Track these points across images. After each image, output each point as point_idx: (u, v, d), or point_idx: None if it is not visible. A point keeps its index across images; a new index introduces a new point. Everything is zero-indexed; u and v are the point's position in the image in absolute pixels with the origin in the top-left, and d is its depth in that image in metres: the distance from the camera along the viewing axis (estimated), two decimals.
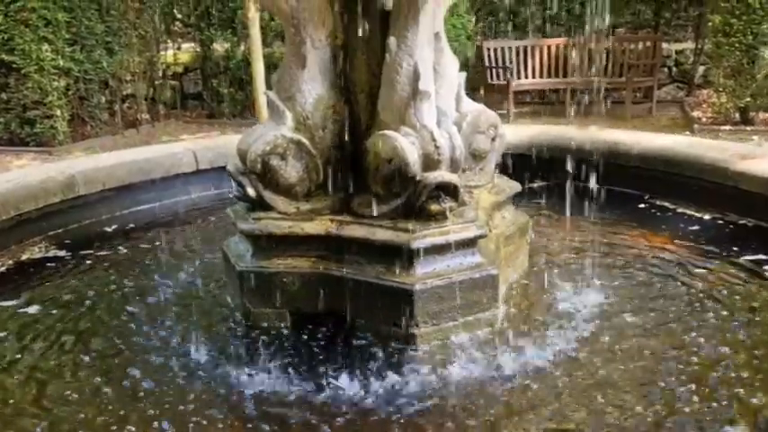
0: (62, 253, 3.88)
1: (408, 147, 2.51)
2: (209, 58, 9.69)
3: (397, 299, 2.51)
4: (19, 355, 2.75)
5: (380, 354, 2.51)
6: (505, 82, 9.16)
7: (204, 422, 2.25)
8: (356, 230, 2.63)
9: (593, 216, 3.95)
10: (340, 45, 2.78)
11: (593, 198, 3.86)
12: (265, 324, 2.75)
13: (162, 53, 10.11)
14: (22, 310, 3.16)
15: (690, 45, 10.31)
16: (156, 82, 9.87)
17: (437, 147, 2.55)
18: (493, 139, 3.07)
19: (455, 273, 2.55)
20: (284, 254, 2.72)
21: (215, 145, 5.23)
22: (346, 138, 2.83)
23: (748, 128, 7.58)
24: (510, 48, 9.56)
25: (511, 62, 9.44)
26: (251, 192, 2.75)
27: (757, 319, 2.80)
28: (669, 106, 9.49)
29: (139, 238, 4.13)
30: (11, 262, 3.76)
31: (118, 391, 2.44)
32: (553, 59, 9.50)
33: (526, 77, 9.52)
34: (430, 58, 2.71)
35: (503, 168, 3.27)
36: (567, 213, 4.00)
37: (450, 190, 2.56)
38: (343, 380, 2.40)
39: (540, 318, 2.81)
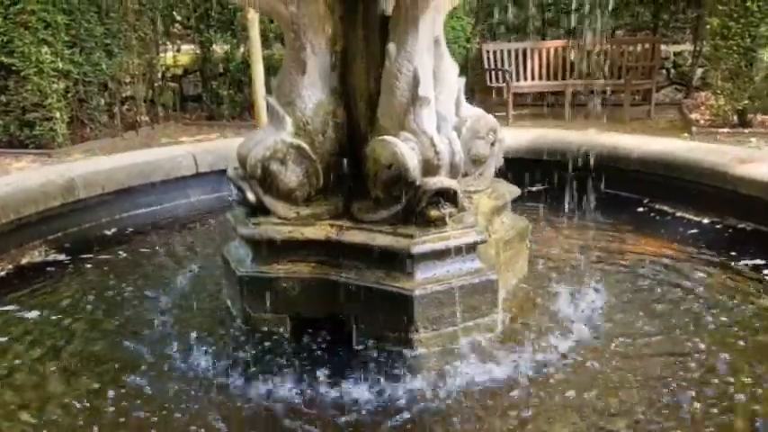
0: (62, 257, 3.88)
1: (408, 152, 2.52)
2: (209, 60, 9.70)
3: (396, 304, 2.52)
4: (18, 361, 2.75)
5: (380, 359, 2.52)
6: (504, 84, 9.18)
7: (203, 429, 2.24)
8: (356, 236, 2.64)
9: (593, 220, 3.96)
10: (340, 51, 2.79)
11: (592, 202, 3.87)
12: (265, 329, 2.76)
13: (161, 55, 10.10)
14: (21, 314, 3.16)
15: (688, 47, 10.32)
16: (156, 84, 9.87)
17: (437, 152, 2.56)
18: (492, 144, 3.08)
19: (455, 278, 2.56)
20: (284, 259, 2.73)
21: (215, 148, 5.23)
22: (346, 143, 2.84)
23: (746, 130, 7.58)
24: (509, 50, 9.58)
25: (510, 64, 9.45)
26: (251, 197, 2.76)
27: (756, 324, 2.80)
28: (667, 108, 9.50)
29: (139, 242, 4.13)
30: (11, 266, 3.76)
31: (116, 397, 2.44)
32: (552, 62, 9.51)
33: (525, 80, 9.53)
34: (429, 64, 2.72)
35: (501, 172, 3.28)
36: (567, 217, 4.01)
37: (449, 195, 2.57)
38: (343, 385, 2.40)
39: (539, 323, 2.81)
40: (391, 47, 2.64)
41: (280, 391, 2.40)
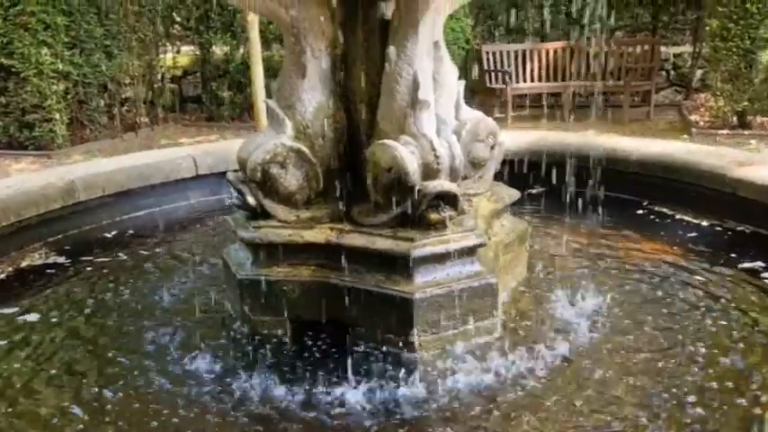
0: (62, 259, 3.88)
1: (408, 156, 2.52)
2: (209, 61, 9.70)
3: (396, 307, 2.52)
4: (18, 364, 2.75)
5: (380, 361, 2.53)
6: (504, 86, 9.18)
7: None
8: (356, 239, 2.64)
9: (592, 223, 3.96)
10: (340, 54, 2.80)
11: (591, 204, 3.87)
12: (265, 332, 2.77)
13: (161, 56, 10.10)
14: (21, 317, 3.16)
15: (688, 48, 10.33)
16: (156, 85, 9.87)
17: (437, 156, 2.57)
18: (492, 148, 3.08)
19: (454, 281, 2.57)
20: (284, 262, 2.74)
21: (214, 150, 5.23)
22: (346, 146, 2.84)
23: (746, 132, 7.60)
24: (508, 51, 9.58)
25: (509, 66, 9.46)
26: (251, 200, 2.77)
27: (756, 328, 2.81)
28: (667, 110, 9.50)
29: (139, 245, 4.13)
30: (11, 269, 3.77)
31: (117, 400, 2.45)
32: (551, 63, 9.52)
33: (524, 81, 9.53)
34: (429, 68, 2.72)
35: (501, 175, 3.29)
36: (566, 220, 4.02)
37: (449, 199, 2.58)
38: (343, 387, 2.41)
39: (538, 326, 2.82)
40: (391, 50, 2.64)
41: (279, 393, 2.40)
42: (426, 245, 2.54)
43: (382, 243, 2.58)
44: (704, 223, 4.02)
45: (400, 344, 2.55)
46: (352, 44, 2.79)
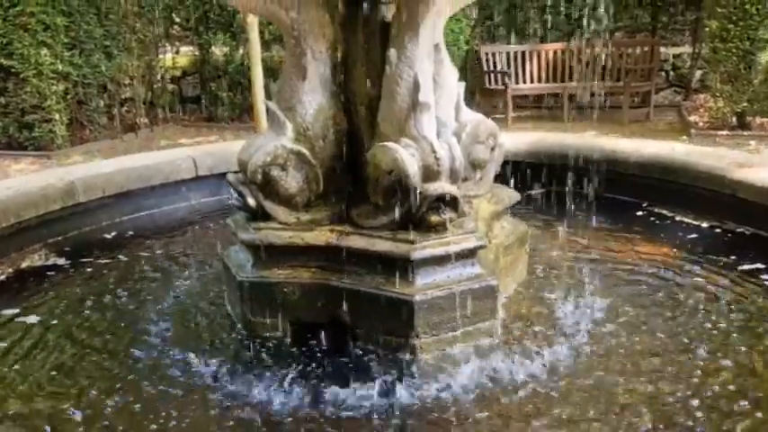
0: (62, 261, 3.88)
1: (408, 158, 2.52)
2: (208, 61, 9.71)
3: (397, 309, 2.52)
4: (17, 366, 2.75)
5: (380, 364, 2.53)
6: (503, 87, 9.19)
7: None
8: (356, 241, 2.64)
9: (592, 224, 3.96)
10: (340, 56, 2.80)
11: (591, 206, 3.88)
12: (265, 333, 2.77)
13: (161, 57, 10.10)
14: (21, 319, 3.16)
15: (687, 49, 10.34)
16: (155, 86, 9.87)
17: (437, 158, 2.57)
18: (492, 149, 3.08)
19: (455, 283, 2.57)
20: (285, 264, 2.74)
21: (214, 150, 5.24)
22: (346, 148, 2.84)
23: (745, 132, 7.60)
24: (508, 52, 9.59)
25: (509, 67, 9.46)
26: (251, 202, 2.76)
27: (758, 330, 2.81)
28: (666, 111, 9.51)
29: (139, 246, 4.13)
30: (10, 270, 3.76)
31: (116, 403, 2.44)
32: (551, 64, 9.52)
33: (524, 82, 9.54)
34: (430, 70, 2.72)
35: (501, 177, 3.29)
36: (566, 221, 4.02)
37: (449, 201, 2.58)
38: (343, 390, 2.40)
39: (538, 328, 2.82)
40: (392, 52, 2.64)
41: (279, 395, 2.40)
42: (426, 247, 2.54)
43: (382, 245, 2.58)
44: (704, 225, 4.02)
45: (400, 346, 2.55)
46: (352, 46, 2.79)
